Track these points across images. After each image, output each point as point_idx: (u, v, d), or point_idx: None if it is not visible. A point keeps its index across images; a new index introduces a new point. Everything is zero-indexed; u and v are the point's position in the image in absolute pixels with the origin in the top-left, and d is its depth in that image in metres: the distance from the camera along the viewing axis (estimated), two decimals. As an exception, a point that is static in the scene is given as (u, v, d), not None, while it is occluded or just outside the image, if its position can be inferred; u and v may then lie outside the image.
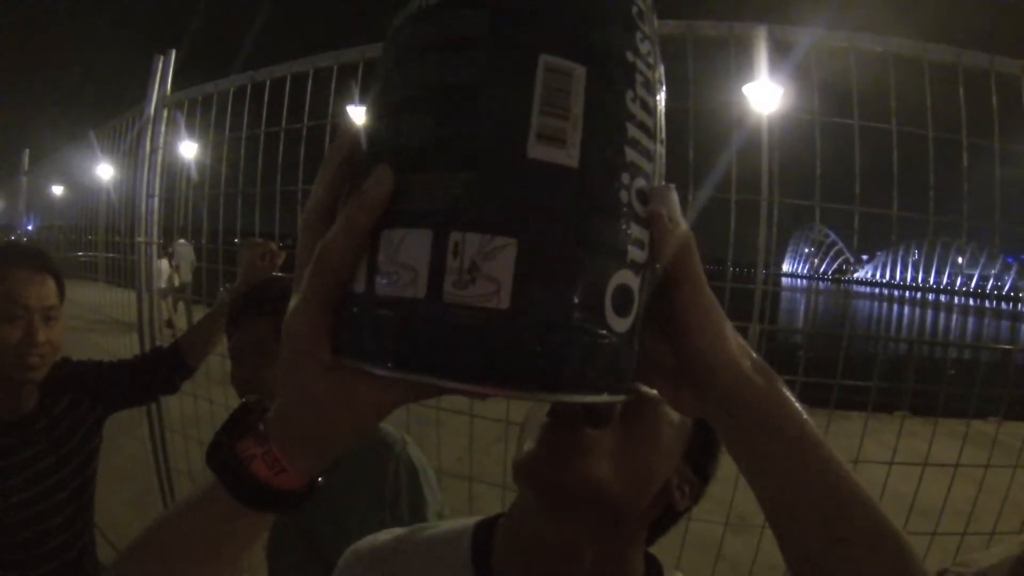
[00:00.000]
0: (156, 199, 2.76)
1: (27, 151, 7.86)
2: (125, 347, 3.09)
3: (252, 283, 1.57)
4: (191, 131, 2.79)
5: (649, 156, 0.36)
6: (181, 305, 6.86)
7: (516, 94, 0.32)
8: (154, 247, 2.83)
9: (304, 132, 2.19)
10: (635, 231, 0.35)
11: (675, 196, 0.37)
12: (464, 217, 0.31)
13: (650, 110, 0.36)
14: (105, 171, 4.45)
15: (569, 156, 0.32)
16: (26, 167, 7.82)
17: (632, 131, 0.35)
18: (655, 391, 0.44)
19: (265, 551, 1.57)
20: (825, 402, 1.87)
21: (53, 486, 1.42)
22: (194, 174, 2.82)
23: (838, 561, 0.40)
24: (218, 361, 1.73)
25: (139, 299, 2.82)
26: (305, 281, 0.35)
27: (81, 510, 1.50)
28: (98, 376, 1.60)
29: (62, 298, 1.43)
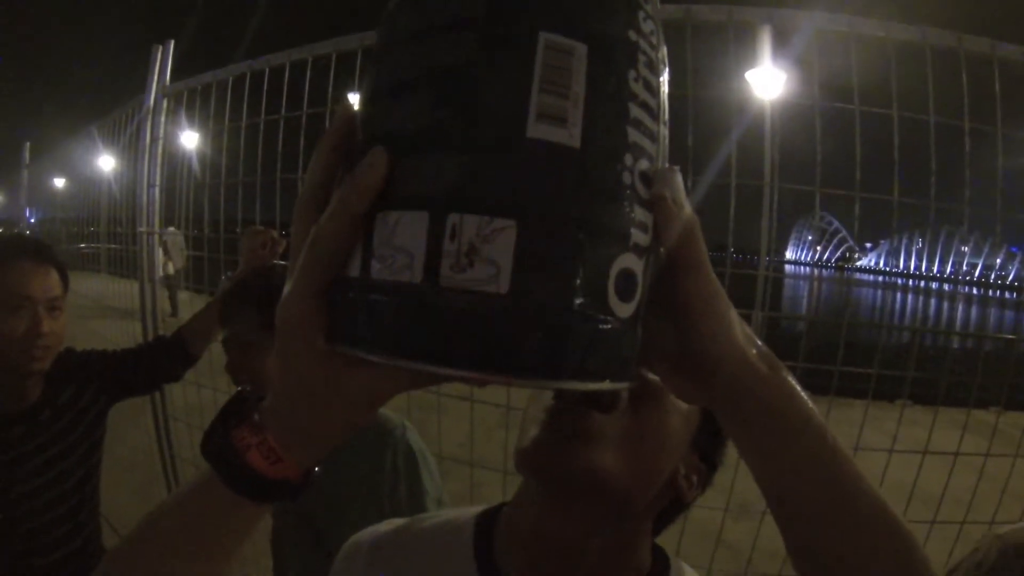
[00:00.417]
0: (157, 189, 2.76)
1: (28, 145, 7.86)
2: (125, 334, 3.11)
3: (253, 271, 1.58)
4: (191, 121, 2.80)
5: (653, 137, 0.35)
6: (174, 295, 6.93)
7: (515, 73, 0.31)
8: (156, 237, 2.84)
9: (304, 120, 2.18)
10: (638, 214, 0.34)
11: (680, 178, 0.36)
12: (462, 198, 0.30)
13: (653, 90, 0.36)
14: (106, 163, 4.45)
15: (570, 136, 0.31)
16: (27, 161, 7.81)
17: (635, 111, 0.34)
18: (657, 379, 0.43)
19: (269, 541, 1.59)
20: (827, 389, 1.87)
21: (58, 476, 1.44)
22: (195, 165, 2.82)
23: (842, 550, 0.40)
24: (221, 349, 1.74)
25: (141, 289, 2.83)
26: (298, 267, 0.34)
27: (86, 499, 1.52)
28: (102, 366, 1.61)
29: (66, 289, 1.44)
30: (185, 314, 1.90)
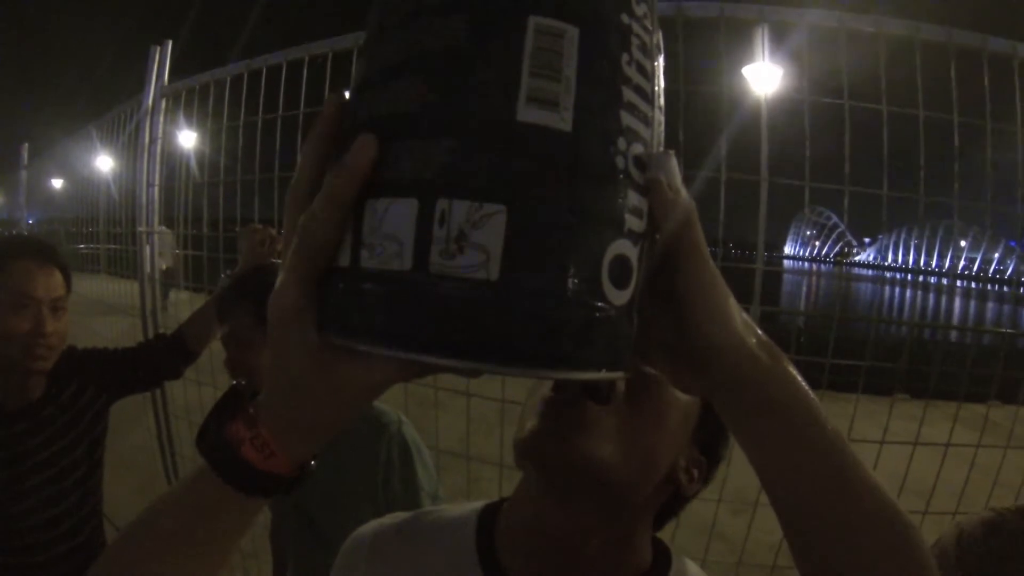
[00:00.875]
0: (156, 188, 2.77)
1: (26, 145, 7.84)
2: (125, 333, 3.12)
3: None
4: (189, 120, 2.80)
5: (647, 121, 0.35)
6: (165, 292, 6.89)
7: (505, 56, 0.30)
8: (155, 236, 2.85)
9: (301, 119, 2.19)
10: (633, 199, 0.33)
11: (675, 163, 0.36)
12: (451, 183, 0.29)
13: (647, 74, 0.35)
14: (104, 163, 4.45)
15: (562, 119, 0.30)
16: (25, 161, 7.80)
17: (628, 95, 0.33)
18: (655, 372, 0.42)
19: (268, 536, 1.60)
20: (821, 382, 1.89)
21: (60, 472, 1.45)
22: (194, 165, 2.83)
23: (842, 542, 0.39)
24: (221, 347, 1.75)
25: (141, 288, 2.84)
26: (289, 256, 0.34)
27: (88, 495, 1.53)
28: (103, 363, 1.62)
29: (68, 289, 1.45)
30: (183, 313, 1.91)
